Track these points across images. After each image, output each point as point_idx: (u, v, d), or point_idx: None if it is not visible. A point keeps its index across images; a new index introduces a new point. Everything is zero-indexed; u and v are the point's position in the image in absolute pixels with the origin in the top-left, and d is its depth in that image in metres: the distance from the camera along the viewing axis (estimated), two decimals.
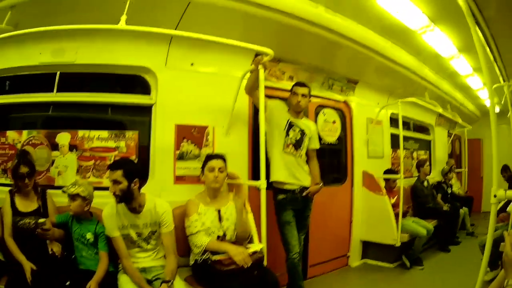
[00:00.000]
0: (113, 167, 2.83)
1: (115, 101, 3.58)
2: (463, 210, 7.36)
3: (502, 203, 3.91)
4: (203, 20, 3.40)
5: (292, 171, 3.71)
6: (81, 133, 3.46)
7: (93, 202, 3.00)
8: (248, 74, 3.51)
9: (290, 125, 3.76)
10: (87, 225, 2.95)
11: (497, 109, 5.88)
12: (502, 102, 5.22)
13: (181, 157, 3.62)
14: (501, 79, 4.60)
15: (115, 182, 2.77)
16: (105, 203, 2.97)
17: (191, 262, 3.12)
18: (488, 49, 3.73)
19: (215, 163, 3.23)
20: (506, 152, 5.72)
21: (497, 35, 3.87)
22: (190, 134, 3.67)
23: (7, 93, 3.60)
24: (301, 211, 3.79)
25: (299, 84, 3.84)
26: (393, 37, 4.98)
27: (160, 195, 3.24)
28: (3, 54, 3.43)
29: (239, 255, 2.84)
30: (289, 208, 3.69)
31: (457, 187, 8.51)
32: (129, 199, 2.85)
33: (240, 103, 3.77)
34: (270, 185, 3.51)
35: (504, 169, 6.82)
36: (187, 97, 3.68)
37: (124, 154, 3.52)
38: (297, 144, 3.76)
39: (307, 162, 3.92)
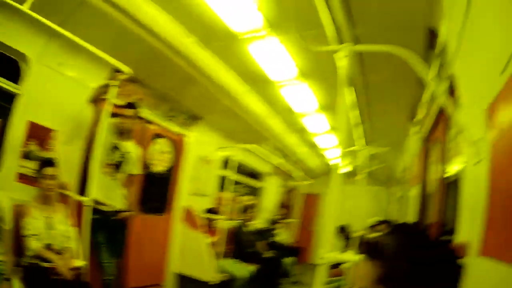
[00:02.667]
0: None
1: None
2: (290, 259, 7.82)
3: None
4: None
5: (107, 192, 3.78)
6: None
7: None
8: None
9: (114, 147, 3.88)
10: None
11: (346, 169, 6.51)
12: (353, 164, 5.92)
13: (26, 155, 3.52)
14: (356, 143, 5.22)
15: None
16: None
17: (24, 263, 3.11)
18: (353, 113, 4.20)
19: (51, 170, 3.34)
20: (347, 212, 6.21)
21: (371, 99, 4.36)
22: (37, 134, 3.60)
23: None
24: (113, 234, 3.87)
25: (125, 105, 3.96)
26: (253, 83, 5.35)
27: (1, 188, 3.22)
28: None
29: (62, 266, 2.99)
30: (99, 229, 3.69)
31: (285, 236, 9.00)
32: None
33: (88, 114, 3.80)
34: None
35: (342, 229, 7.56)
36: (46, 96, 3.63)
37: None
38: (117, 167, 3.88)
39: (126, 186, 4.04)
